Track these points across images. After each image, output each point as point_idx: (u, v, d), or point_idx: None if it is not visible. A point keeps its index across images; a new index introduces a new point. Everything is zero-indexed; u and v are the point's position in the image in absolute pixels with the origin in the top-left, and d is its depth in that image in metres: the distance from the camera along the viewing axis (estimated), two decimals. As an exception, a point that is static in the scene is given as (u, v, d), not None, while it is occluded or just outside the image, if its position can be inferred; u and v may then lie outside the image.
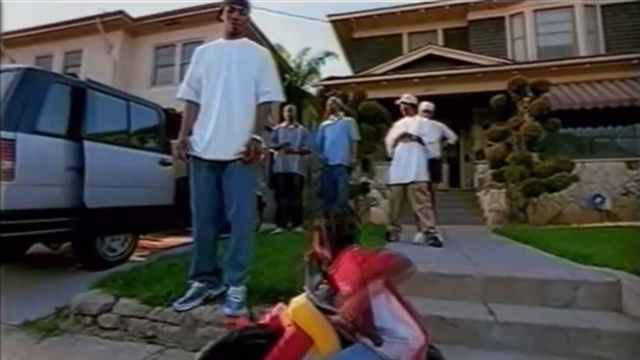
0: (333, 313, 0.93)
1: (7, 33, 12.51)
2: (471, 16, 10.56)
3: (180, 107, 2.53)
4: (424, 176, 4.07)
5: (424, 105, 4.51)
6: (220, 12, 2.18)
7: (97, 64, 11.51)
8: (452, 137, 4.69)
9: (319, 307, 0.94)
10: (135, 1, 12.80)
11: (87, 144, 3.06)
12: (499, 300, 2.16)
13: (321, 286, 0.98)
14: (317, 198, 8.90)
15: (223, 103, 2.08)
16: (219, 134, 2.06)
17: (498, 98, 7.54)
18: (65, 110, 3.11)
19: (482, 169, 8.26)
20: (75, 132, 3.08)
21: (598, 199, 7.23)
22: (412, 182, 4.01)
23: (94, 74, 11.33)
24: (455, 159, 10.72)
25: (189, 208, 2.20)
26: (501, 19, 10.26)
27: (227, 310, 1.96)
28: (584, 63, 8.28)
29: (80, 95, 3.17)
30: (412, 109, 4.33)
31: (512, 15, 10.10)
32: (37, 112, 2.85)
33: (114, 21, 11.17)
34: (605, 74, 7.98)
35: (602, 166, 7.72)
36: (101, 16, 11.11)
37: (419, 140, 4.10)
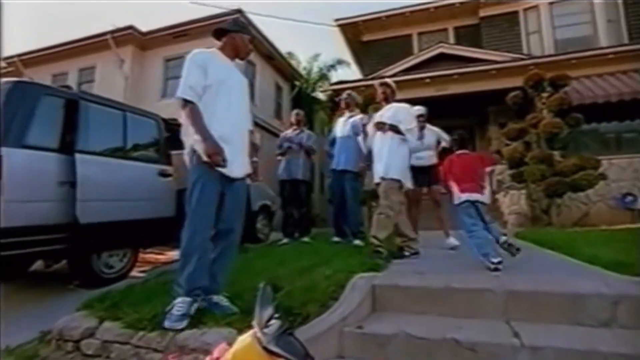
0: (283, 358, 0.71)
1: (24, 53, 12.94)
2: (483, 13, 10.23)
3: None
4: (396, 173, 3.29)
5: (415, 110, 4.07)
6: (225, 32, 2.22)
7: (109, 79, 11.72)
8: (446, 139, 4.27)
9: (266, 349, 0.72)
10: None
11: (78, 157, 2.95)
12: (524, 319, 1.89)
13: (272, 321, 0.76)
14: (329, 205, 8.71)
15: (237, 121, 2.13)
16: (237, 150, 2.09)
17: (514, 95, 7.18)
18: (57, 123, 3.02)
19: (500, 170, 7.86)
20: (68, 146, 2.99)
21: (629, 198, 6.75)
22: (381, 179, 3.34)
23: (106, 88, 11.60)
24: (471, 161, 10.33)
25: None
26: (514, 13, 9.89)
27: (166, 323, 1.86)
28: (606, 54, 7.83)
29: (73, 107, 3.08)
30: (392, 95, 3.63)
31: (526, 9, 9.72)
32: (26, 126, 2.76)
33: (125, 36, 11.36)
34: (630, 64, 7.50)
35: (632, 162, 7.23)
36: (112, 32, 11.31)
37: (394, 129, 3.34)
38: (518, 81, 7.47)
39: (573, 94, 7.01)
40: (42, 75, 12.77)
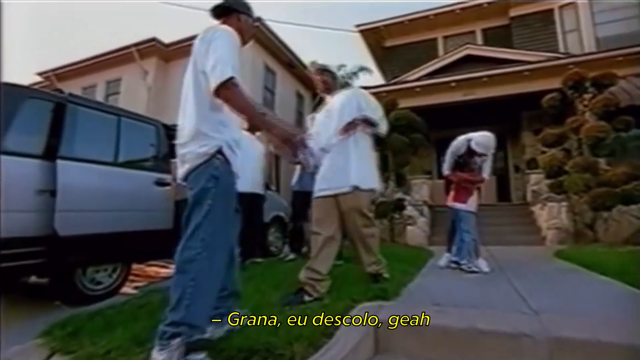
0: None
1: (58, 68, 13.51)
2: (513, 12, 9.59)
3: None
4: (375, 180, 2.63)
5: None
6: (230, 11, 1.85)
7: (133, 90, 11.98)
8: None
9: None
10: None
11: (60, 163, 2.72)
12: (577, 378, 1.39)
13: None
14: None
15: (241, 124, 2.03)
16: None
17: (551, 97, 6.50)
18: (42, 128, 2.82)
19: (536, 180, 7.14)
20: (53, 152, 2.77)
21: (691, 212, 5.86)
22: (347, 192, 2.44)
23: (131, 99, 11.82)
24: (502, 170, 9.57)
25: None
26: (549, 12, 9.19)
27: None
28: (657, 50, 6.99)
29: (61, 111, 2.89)
30: (334, 83, 2.76)
31: (561, 7, 9.00)
32: (6, 130, 2.56)
33: (148, 48, 11.59)
34: (687, 61, 6.65)
35: (693, 171, 6.31)
36: (136, 44, 11.58)
37: (368, 122, 2.58)
38: (555, 82, 6.79)
39: (620, 94, 6.25)
40: (74, 88, 13.27)
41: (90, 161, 3.01)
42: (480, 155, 3.55)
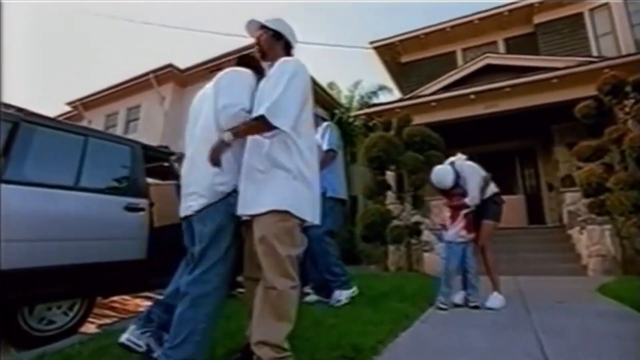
0: None
1: (84, 97, 14.12)
2: (538, 19, 8.94)
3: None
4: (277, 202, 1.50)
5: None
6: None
7: (152, 115, 12.23)
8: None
9: None
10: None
11: (4, 188, 2.43)
12: None
13: None
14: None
15: None
16: None
17: (585, 105, 5.77)
18: (-9, 150, 2.57)
19: (572, 199, 6.29)
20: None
21: None
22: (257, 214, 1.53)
23: (149, 124, 12.02)
24: (535, 189, 8.68)
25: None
26: (578, 15, 8.48)
27: None
28: None
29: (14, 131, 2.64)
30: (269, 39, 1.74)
31: (592, 9, 8.27)
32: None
33: (165, 74, 11.85)
34: None
35: None
36: (154, 71, 11.89)
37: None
38: (588, 90, 6.07)
39: (668, 99, 5.43)
40: (98, 116, 13.80)
41: (43, 185, 2.72)
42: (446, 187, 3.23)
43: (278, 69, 1.58)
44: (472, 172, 3.24)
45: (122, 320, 3.47)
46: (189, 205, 1.62)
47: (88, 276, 2.93)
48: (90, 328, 3.13)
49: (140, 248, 3.31)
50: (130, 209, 3.29)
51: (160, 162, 4.32)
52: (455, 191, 3.19)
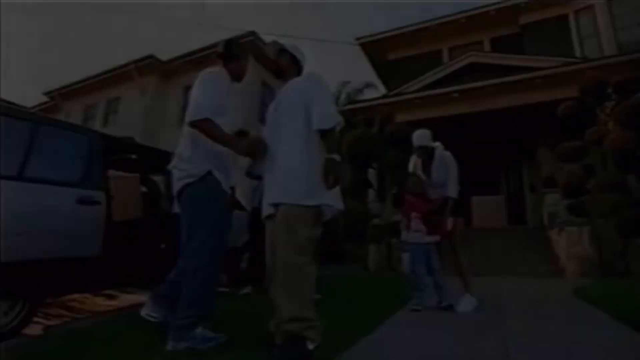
0: None
1: (62, 87, 13.64)
2: (523, 20, 8.92)
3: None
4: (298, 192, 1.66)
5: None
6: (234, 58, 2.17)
7: (131, 107, 11.85)
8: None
9: None
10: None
11: None
12: None
13: None
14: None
15: None
16: None
17: (566, 105, 5.73)
18: None
19: (552, 200, 6.26)
20: None
21: None
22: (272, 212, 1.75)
23: (129, 117, 11.64)
24: (517, 189, 8.67)
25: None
26: (563, 17, 8.48)
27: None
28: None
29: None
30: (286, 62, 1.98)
31: (577, 11, 8.28)
32: None
33: (147, 66, 11.49)
34: None
35: None
36: (135, 62, 11.51)
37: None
38: (572, 91, 6.04)
39: (649, 101, 5.41)
40: (78, 107, 13.35)
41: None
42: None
43: (315, 85, 1.82)
44: (453, 162, 3.12)
45: (73, 320, 3.24)
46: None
47: (29, 275, 2.70)
48: (36, 330, 2.89)
49: (94, 244, 3.09)
50: (83, 201, 3.06)
51: (125, 154, 4.10)
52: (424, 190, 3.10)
